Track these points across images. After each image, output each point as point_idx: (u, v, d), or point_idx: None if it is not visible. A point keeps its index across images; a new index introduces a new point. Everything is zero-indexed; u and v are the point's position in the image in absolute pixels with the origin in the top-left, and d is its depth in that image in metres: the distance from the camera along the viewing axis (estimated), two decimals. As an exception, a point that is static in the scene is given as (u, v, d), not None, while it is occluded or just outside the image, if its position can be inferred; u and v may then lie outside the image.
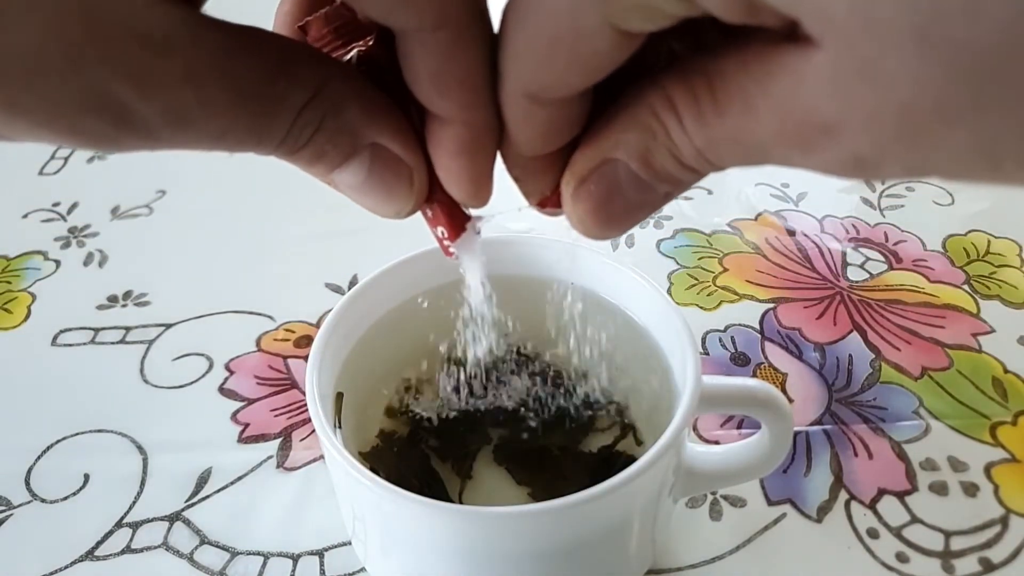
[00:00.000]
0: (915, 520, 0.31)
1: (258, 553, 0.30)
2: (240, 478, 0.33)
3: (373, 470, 0.22)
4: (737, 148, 0.14)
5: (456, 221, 0.20)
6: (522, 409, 0.28)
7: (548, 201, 0.19)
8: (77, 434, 0.35)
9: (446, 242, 0.20)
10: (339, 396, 0.27)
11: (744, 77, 0.13)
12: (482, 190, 0.18)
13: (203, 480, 0.33)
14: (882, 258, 0.43)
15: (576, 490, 0.21)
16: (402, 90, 0.16)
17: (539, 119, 0.16)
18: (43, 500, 0.33)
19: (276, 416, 0.35)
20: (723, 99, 0.14)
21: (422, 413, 0.29)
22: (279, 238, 0.46)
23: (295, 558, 0.30)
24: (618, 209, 0.17)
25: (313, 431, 0.29)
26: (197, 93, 0.13)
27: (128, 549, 0.31)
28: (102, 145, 0.14)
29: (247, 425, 0.35)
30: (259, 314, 0.41)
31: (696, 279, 0.42)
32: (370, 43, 0.17)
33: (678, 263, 0.43)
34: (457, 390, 0.29)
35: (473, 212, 0.20)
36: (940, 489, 0.32)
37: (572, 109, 0.16)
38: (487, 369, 0.28)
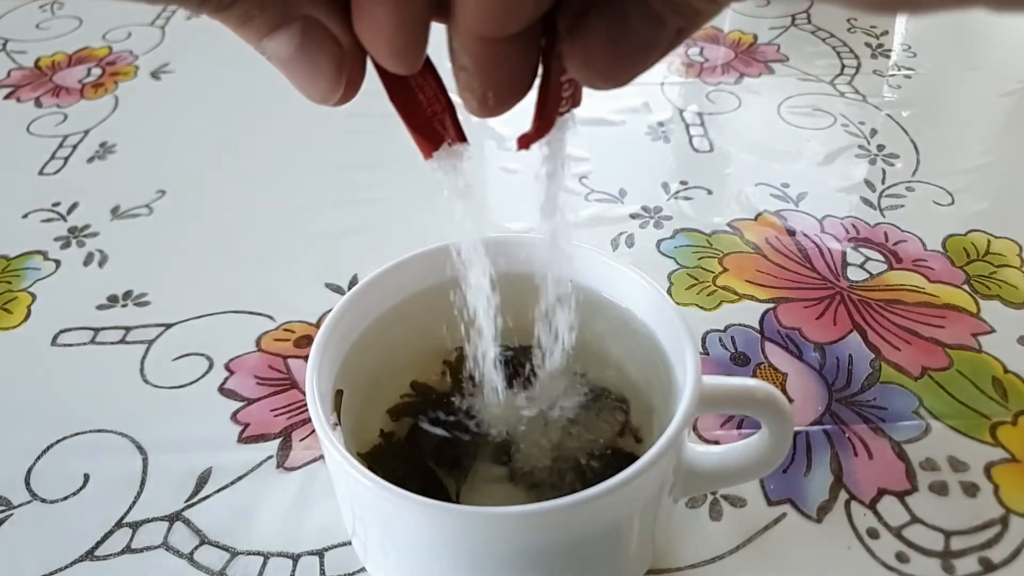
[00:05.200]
0: (915, 520, 0.31)
1: (258, 553, 0.30)
2: (240, 478, 0.33)
3: (373, 470, 0.22)
4: None
5: (428, 140, 0.19)
6: (522, 409, 0.28)
7: (529, 136, 0.17)
8: (77, 434, 0.35)
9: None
10: (339, 394, 0.27)
11: None
12: (410, 46, 0.15)
13: (203, 480, 0.33)
14: (882, 258, 0.43)
15: (576, 490, 0.21)
16: None
17: None
18: (43, 500, 0.33)
19: (276, 416, 0.35)
20: None
21: (422, 413, 0.29)
22: (279, 238, 0.46)
23: (295, 558, 0.30)
24: (625, 49, 0.15)
25: (313, 431, 0.29)
26: None
27: (128, 549, 0.31)
28: None
29: (247, 425, 0.35)
30: (259, 314, 0.41)
31: (696, 279, 0.42)
32: None
33: (678, 263, 0.43)
34: (457, 389, 0.29)
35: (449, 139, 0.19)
36: (940, 489, 0.32)
37: None
38: (486, 369, 0.28)
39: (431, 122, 0.19)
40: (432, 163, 0.19)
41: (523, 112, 0.19)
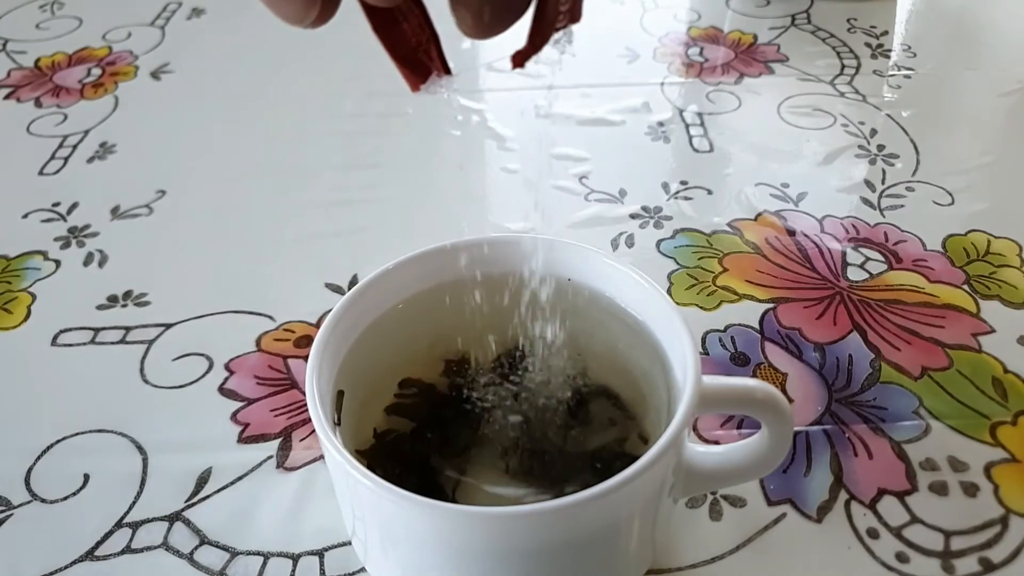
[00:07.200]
0: (915, 520, 0.31)
1: (258, 553, 0.30)
2: (240, 478, 0.33)
3: (372, 469, 0.22)
4: None
5: (415, 73, 0.18)
6: (521, 409, 0.28)
7: (524, 52, 0.16)
8: (77, 434, 0.35)
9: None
10: (339, 394, 0.27)
11: None
12: None
13: (203, 480, 0.33)
14: (882, 258, 0.43)
15: (576, 490, 0.21)
16: None
17: None
18: (43, 500, 0.33)
19: (276, 416, 0.35)
20: None
21: (422, 412, 0.29)
22: (279, 238, 0.46)
23: (295, 558, 0.30)
24: None
25: (313, 431, 0.29)
26: None
27: (128, 549, 0.31)
28: None
29: (247, 425, 0.35)
30: (259, 314, 0.41)
31: (696, 279, 0.42)
32: None
33: (678, 263, 0.43)
34: (457, 389, 0.29)
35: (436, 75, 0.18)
36: (940, 489, 0.32)
37: None
38: (486, 368, 0.28)
39: (416, 53, 0.18)
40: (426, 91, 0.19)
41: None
